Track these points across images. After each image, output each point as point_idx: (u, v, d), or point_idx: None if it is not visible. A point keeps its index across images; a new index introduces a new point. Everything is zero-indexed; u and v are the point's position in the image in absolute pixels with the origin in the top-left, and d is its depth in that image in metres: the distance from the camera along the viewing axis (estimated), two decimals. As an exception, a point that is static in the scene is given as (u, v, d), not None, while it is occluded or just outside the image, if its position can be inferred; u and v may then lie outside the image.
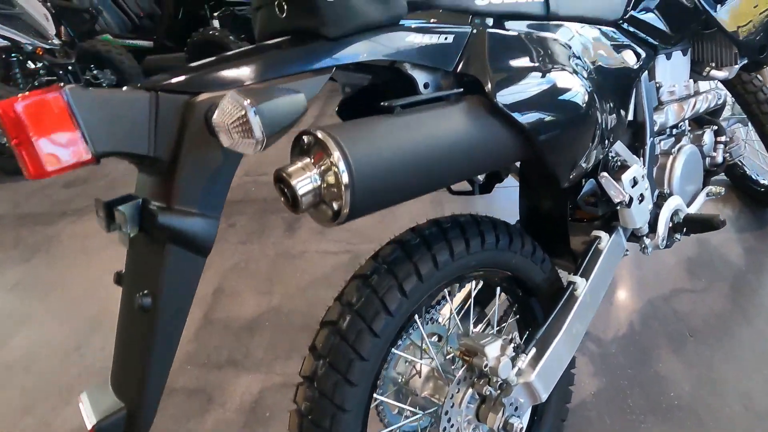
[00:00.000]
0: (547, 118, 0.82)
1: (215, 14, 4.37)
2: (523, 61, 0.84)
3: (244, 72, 0.66)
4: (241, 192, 2.74)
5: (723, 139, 1.39)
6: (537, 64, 0.84)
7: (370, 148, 0.66)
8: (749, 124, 1.74)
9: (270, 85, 0.66)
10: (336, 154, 0.63)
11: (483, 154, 0.77)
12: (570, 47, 0.94)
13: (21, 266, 2.30)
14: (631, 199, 1.06)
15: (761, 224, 1.93)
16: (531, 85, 0.82)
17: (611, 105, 0.99)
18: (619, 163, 1.09)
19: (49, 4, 4.06)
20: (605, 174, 1.02)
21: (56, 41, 3.54)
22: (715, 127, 1.39)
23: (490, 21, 0.87)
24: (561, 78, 0.86)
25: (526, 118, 0.79)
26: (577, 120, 0.86)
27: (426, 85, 0.81)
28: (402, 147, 0.69)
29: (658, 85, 1.24)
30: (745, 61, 1.36)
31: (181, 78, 0.64)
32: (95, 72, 3.92)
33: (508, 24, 0.90)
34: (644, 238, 1.18)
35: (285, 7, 0.72)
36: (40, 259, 2.35)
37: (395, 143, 0.69)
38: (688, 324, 1.55)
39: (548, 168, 0.85)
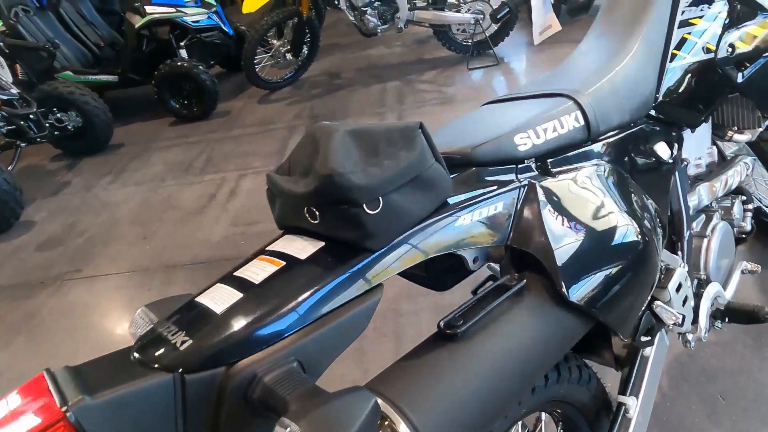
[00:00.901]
0: (612, 290, 0.74)
1: (181, 43, 4.18)
2: (580, 217, 0.75)
3: (281, 317, 0.55)
4: (229, 247, 2.61)
5: (750, 207, 1.34)
6: (592, 219, 0.76)
7: (437, 405, 0.57)
8: (756, 159, 1.70)
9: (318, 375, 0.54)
10: (402, 427, 0.53)
11: (552, 352, 0.69)
12: (614, 174, 0.85)
13: (0, 354, 2.14)
14: (683, 318, 0.99)
15: (774, 259, 1.90)
16: (593, 260, 0.74)
17: (657, 221, 0.91)
18: (662, 268, 1.02)
19: (1, 44, 3.82)
20: (659, 303, 0.95)
21: (14, 90, 3.33)
22: (743, 197, 1.33)
23: (532, 165, 0.79)
24: (619, 229, 0.78)
25: (596, 304, 0.72)
26: (638, 272, 0.78)
27: (475, 260, 0.72)
28: (470, 386, 0.60)
29: (685, 162, 1.17)
30: None
31: (205, 346, 0.52)
32: (59, 115, 3.71)
33: (553, 164, 0.81)
34: (686, 333, 1.12)
35: (318, 215, 0.61)
36: (21, 344, 2.19)
37: (463, 386, 0.60)
38: (718, 385, 1.50)
39: (609, 328, 0.78)
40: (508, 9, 1.28)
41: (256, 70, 4.30)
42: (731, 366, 1.55)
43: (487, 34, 4.23)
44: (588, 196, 0.79)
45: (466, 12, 4.18)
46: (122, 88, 4.44)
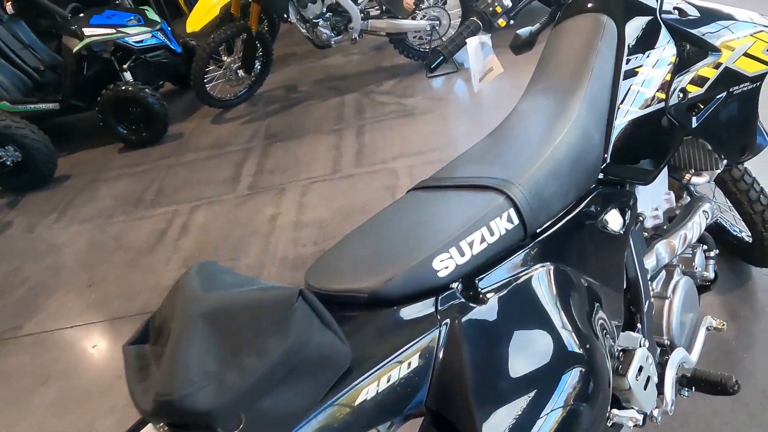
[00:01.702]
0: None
1: (125, 65, 3.96)
2: (514, 358, 0.64)
3: None
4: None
5: (713, 254, 1.26)
6: (528, 358, 0.65)
7: None
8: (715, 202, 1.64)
9: None
10: None
11: None
12: (558, 278, 0.75)
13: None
14: (645, 416, 0.89)
15: (741, 281, 1.84)
16: (531, 414, 0.62)
17: (612, 325, 0.82)
18: (620, 355, 0.92)
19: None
20: (615, 412, 0.85)
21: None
22: (705, 246, 1.25)
23: (457, 290, 0.67)
24: (566, 366, 0.67)
25: None
26: (589, 410, 0.67)
27: (391, 425, 0.61)
28: None
29: (641, 219, 1.08)
30: (725, 163, 1.22)
31: None
32: (-4, 152, 3.47)
33: (483, 282, 0.70)
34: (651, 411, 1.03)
35: None
36: (-47, 421, 2.01)
37: None
38: (689, 425, 1.43)
39: None
40: (442, 57, 1.16)
41: (207, 88, 4.12)
42: (703, 404, 1.48)
43: (445, 41, 4.12)
44: (525, 321, 0.68)
45: (421, 19, 4.06)
46: (65, 115, 4.20)
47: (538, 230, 0.80)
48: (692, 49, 1.08)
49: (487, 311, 0.66)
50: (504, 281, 0.71)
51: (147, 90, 3.89)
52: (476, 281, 0.69)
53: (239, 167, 3.46)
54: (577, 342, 0.70)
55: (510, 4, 1.15)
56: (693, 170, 1.21)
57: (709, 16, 1.14)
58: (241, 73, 4.14)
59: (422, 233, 0.71)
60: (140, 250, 2.86)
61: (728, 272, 1.85)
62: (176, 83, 4.98)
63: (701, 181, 1.22)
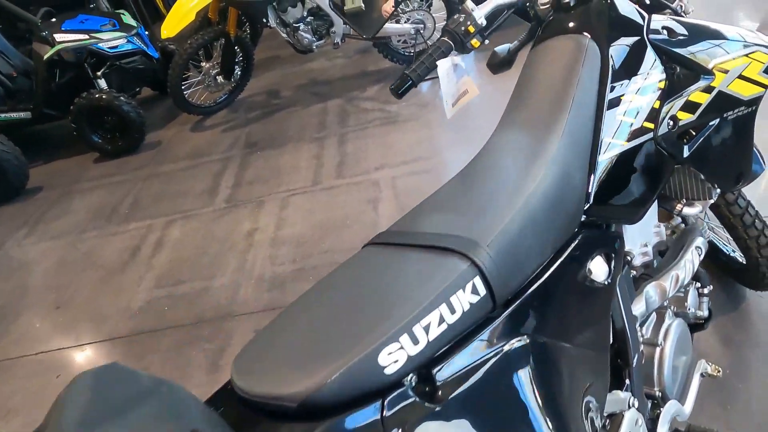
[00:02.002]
0: None
1: (99, 72, 3.83)
2: None
3: None
4: (152, 316, 2.34)
5: (707, 290, 1.17)
6: None
7: None
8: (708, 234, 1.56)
9: None
10: None
11: None
12: (534, 356, 0.65)
13: None
14: None
15: (735, 304, 1.76)
16: None
17: (597, 376, 0.72)
18: (606, 424, 0.83)
19: None
20: None
21: None
22: (698, 283, 1.16)
23: (409, 386, 0.57)
24: None
25: None
26: None
27: None
28: None
29: (628, 258, 0.99)
30: (719, 192, 1.13)
31: None
32: (-37, 165, 3.33)
33: (441, 372, 0.59)
34: None
35: None
36: None
37: None
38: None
39: None
40: (410, 82, 1.05)
41: (186, 95, 3.99)
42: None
43: (430, 43, 4.03)
44: (495, 417, 0.58)
45: (405, 22, 3.96)
46: (37, 124, 4.06)
47: (510, 299, 0.70)
48: (682, 72, 0.98)
49: (448, 410, 0.56)
50: (468, 368, 0.61)
51: (122, 98, 3.75)
52: (433, 373, 0.59)
53: (217, 178, 3.34)
54: None
55: (484, 23, 1.05)
56: (684, 200, 1.12)
57: (697, 34, 1.05)
58: (220, 79, 4.01)
59: (369, 315, 0.61)
60: (112, 268, 2.74)
61: (720, 293, 1.77)
62: (155, 89, 4.84)
63: (694, 212, 1.13)
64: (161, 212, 3.12)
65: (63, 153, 4.22)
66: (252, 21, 4.10)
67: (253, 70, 4.30)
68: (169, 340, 2.18)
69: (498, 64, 1.21)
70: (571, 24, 0.97)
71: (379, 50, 4.12)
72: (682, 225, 1.23)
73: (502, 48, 1.21)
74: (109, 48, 3.86)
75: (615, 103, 0.90)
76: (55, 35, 3.74)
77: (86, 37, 3.81)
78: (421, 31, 3.96)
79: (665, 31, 0.99)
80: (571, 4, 0.98)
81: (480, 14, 1.05)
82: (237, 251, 2.62)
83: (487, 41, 1.07)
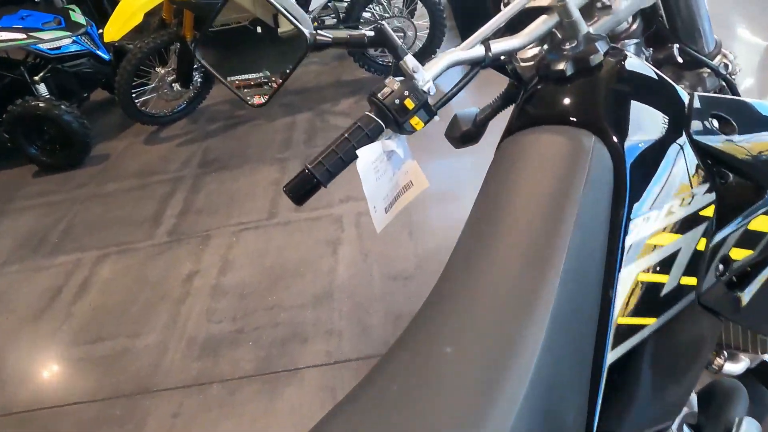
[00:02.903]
0: None
1: (37, 77, 3.41)
2: None
3: None
4: (60, 385, 1.96)
5: None
6: None
7: None
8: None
9: None
10: None
11: None
12: None
13: None
14: None
15: None
16: None
17: None
18: None
19: None
20: None
21: None
22: None
23: None
24: None
25: None
26: None
27: None
28: None
29: None
30: None
31: None
32: None
33: None
34: None
35: None
36: None
37: None
38: None
39: None
40: (315, 182, 0.68)
41: (138, 103, 3.59)
42: None
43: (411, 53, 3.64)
44: None
45: (383, 30, 3.57)
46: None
47: None
48: (740, 185, 0.63)
49: None
50: None
51: (63, 106, 3.34)
52: None
53: (164, 203, 2.95)
54: None
55: (432, 91, 0.69)
56: (726, 352, 0.77)
57: (755, 118, 0.69)
58: (176, 86, 3.60)
59: None
60: (26, 314, 2.35)
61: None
62: (111, 91, 4.42)
63: (738, 369, 0.78)
64: (95, 244, 2.73)
65: (1, 163, 3.79)
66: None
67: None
68: (71, 421, 1.81)
69: (460, 138, 0.85)
70: (567, 107, 0.61)
71: (354, 59, 3.74)
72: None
73: (467, 113, 0.85)
74: (50, 49, 3.44)
75: (634, 251, 0.54)
76: (-13, 33, 3.32)
77: (23, 36, 3.38)
78: (401, 40, 3.58)
79: (715, 122, 0.63)
80: (568, 73, 0.62)
81: (427, 78, 0.68)
82: (171, 301, 2.25)
83: (437, 118, 0.70)
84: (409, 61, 0.69)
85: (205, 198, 2.93)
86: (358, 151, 0.68)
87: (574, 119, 0.59)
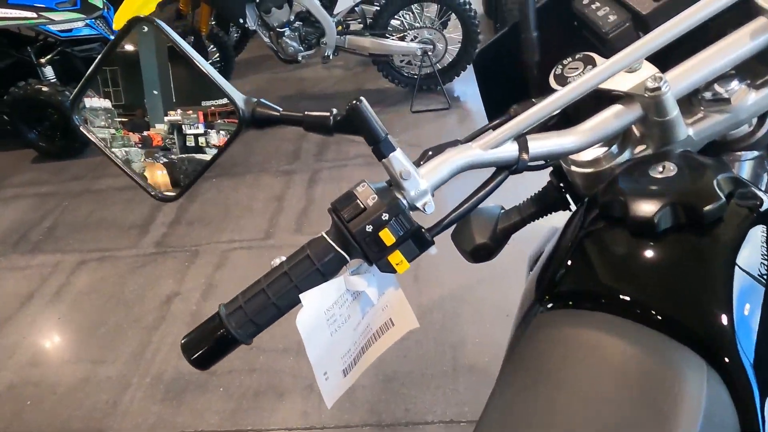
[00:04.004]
0: None
1: (42, 60, 3.24)
2: None
3: None
4: (5, 413, 1.76)
5: None
6: None
7: None
8: None
9: None
10: None
11: None
12: None
13: None
14: None
15: None
16: None
17: None
18: None
19: None
20: None
21: None
22: None
23: None
24: None
25: None
26: None
27: None
28: None
29: None
30: None
31: None
32: None
33: None
34: None
35: None
36: None
37: None
38: None
39: None
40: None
41: (147, 96, 3.40)
42: None
43: (438, 68, 3.40)
44: None
45: (411, 41, 3.33)
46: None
47: None
48: None
49: None
50: None
51: (68, 92, 3.16)
52: None
53: (156, 209, 2.75)
54: None
55: (428, 209, 0.45)
56: None
57: None
58: (188, 81, 3.40)
59: None
60: (-10, 321, 2.16)
61: None
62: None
63: None
64: (77, 246, 2.53)
65: (2, 145, 3.63)
66: (226, 21, 3.48)
67: (241, 70, 3.71)
68: (9, 462, 1.61)
69: (471, 252, 0.60)
70: (651, 296, 0.36)
71: (378, 68, 3.50)
72: None
73: (485, 215, 0.60)
74: (61, 31, 3.27)
75: None
76: (-3, 9, 3.15)
77: (34, 15, 3.21)
78: (429, 53, 3.33)
79: None
80: (660, 228, 0.37)
81: (422, 189, 0.44)
82: (144, 325, 2.03)
83: (434, 250, 0.46)
84: (396, 161, 0.44)
85: (200, 207, 2.72)
86: (302, 296, 0.44)
87: (669, 327, 0.34)
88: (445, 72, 3.45)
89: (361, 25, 3.37)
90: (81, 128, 0.56)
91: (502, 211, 0.61)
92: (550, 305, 0.42)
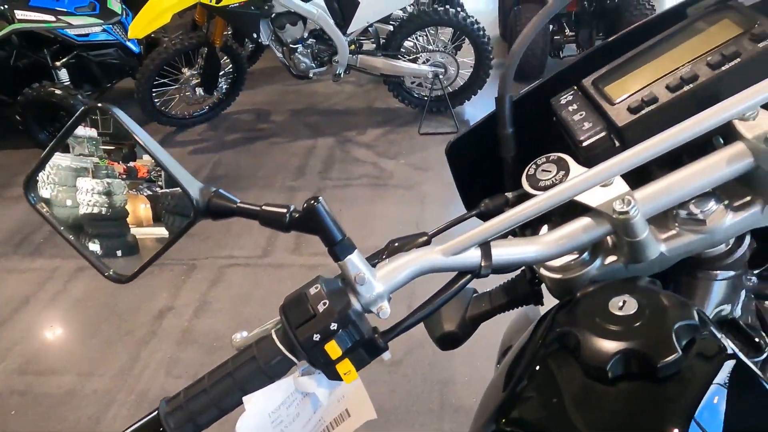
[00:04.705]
0: None
1: (58, 62, 3.28)
2: None
3: None
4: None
5: None
6: None
7: None
8: None
9: None
10: None
11: None
12: None
13: None
14: None
15: None
16: None
17: None
18: None
19: None
20: None
21: None
22: None
23: None
24: None
25: None
26: None
27: None
28: None
29: None
30: None
31: None
32: None
33: None
34: None
35: None
36: None
37: None
38: None
39: None
40: None
41: (158, 102, 3.42)
42: None
43: (450, 90, 3.39)
44: None
45: (423, 63, 3.33)
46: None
47: None
48: None
49: None
50: None
51: (80, 96, 3.20)
52: None
53: (158, 218, 2.76)
54: None
55: (383, 314, 0.44)
56: None
57: None
58: (199, 91, 3.43)
59: None
60: (-16, 325, 2.18)
61: None
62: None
63: None
64: (76, 252, 2.54)
65: (10, 143, 3.67)
66: (240, 35, 3.50)
67: (253, 80, 3.73)
68: (-12, 474, 1.60)
69: (438, 339, 0.58)
70: None
71: (389, 88, 3.50)
72: None
73: (461, 293, 0.59)
74: (78, 35, 3.31)
75: None
76: (16, 11, 3.20)
77: (53, 18, 3.25)
78: (441, 76, 3.33)
79: None
80: (611, 376, 0.35)
81: (378, 292, 0.43)
82: (135, 339, 2.03)
83: (387, 355, 0.44)
84: (352, 264, 0.43)
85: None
86: (245, 399, 0.43)
87: None
88: (455, 95, 3.45)
89: (374, 45, 3.38)
90: (36, 207, 0.55)
91: (474, 295, 0.59)
92: (503, 428, 0.40)
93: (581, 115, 0.50)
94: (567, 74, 0.55)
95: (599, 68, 0.52)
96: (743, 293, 0.51)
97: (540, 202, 0.42)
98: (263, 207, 0.45)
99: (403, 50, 3.35)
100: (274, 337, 0.44)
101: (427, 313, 0.45)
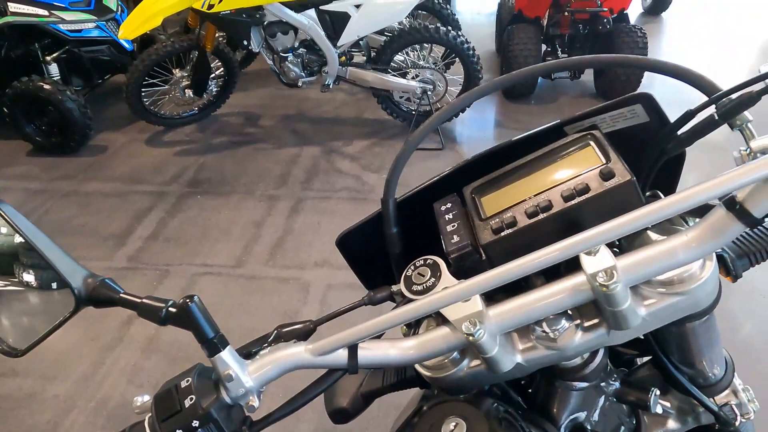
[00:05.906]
0: None
1: (48, 57, 3.28)
2: None
3: None
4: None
5: None
6: None
7: None
8: None
9: None
10: None
11: None
12: None
13: None
14: None
15: None
16: None
17: None
18: None
19: None
20: None
21: None
22: None
23: None
24: None
25: None
26: None
27: None
28: None
29: None
30: None
31: None
32: None
33: None
34: None
35: None
36: None
37: None
38: None
39: None
40: None
41: (147, 101, 3.43)
42: None
43: (438, 107, 3.41)
44: None
45: (412, 79, 3.35)
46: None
47: None
48: None
49: None
50: None
51: (68, 92, 3.21)
52: None
53: (136, 222, 2.77)
54: None
55: (252, 408, 0.45)
56: None
57: None
58: (189, 93, 3.44)
59: None
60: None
61: None
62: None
63: None
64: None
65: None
66: (231, 42, 3.52)
67: (246, 83, 3.74)
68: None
69: (332, 413, 0.61)
70: None
71: (378, 100, 3.52)
72: None
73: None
74: (70, 31, 3.32)
75: None
76: (9, 3, 3.20)
77: (45, 12, 3.26)
78: (429, 92, 3.35)
79: None
80: None
81: (248, 387, 0.46)
82: (100, 344, 2.05)
83: None
84: (222, 362, 0.45)
85: (180, 224, 2.74)
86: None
87: None
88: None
89: (365, 58, 3.40)
90: None
91: (370, 371, 0.61)
92: None
93: (454, 226, 0.52)
94: (454, 176, 0.58)
95: (483, 174, 0.54)
96: (602, 399, 0.53)
97: (402, 313, 0.44)
98: (143, 300, 0.47)
99: (394, 65, 3.37)
100: (146, 425, 0.46)
101: (297, 406, 0.48)
